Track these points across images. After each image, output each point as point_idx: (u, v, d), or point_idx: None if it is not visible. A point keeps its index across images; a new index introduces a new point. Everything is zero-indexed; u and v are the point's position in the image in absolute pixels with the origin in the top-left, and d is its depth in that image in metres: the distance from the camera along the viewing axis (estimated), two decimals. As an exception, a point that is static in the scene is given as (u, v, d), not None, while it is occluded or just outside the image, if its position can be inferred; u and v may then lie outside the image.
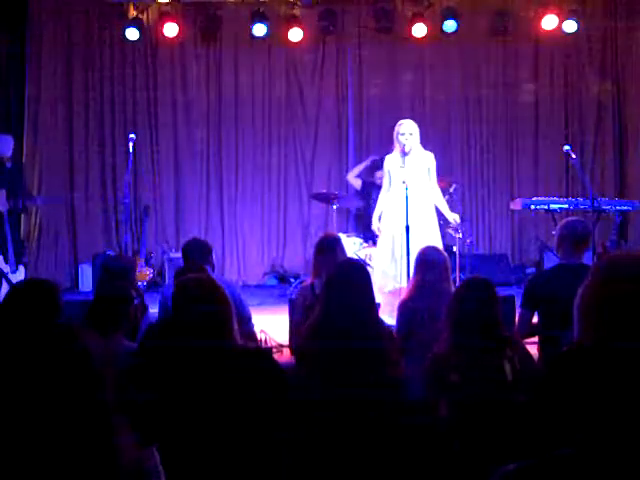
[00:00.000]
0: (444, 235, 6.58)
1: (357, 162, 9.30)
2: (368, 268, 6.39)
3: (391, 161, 6.35)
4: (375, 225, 6.48)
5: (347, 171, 9.25)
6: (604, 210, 6.99)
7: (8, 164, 7.34)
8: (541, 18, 8.81)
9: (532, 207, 7.38)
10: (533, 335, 4.13)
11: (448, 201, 7.39)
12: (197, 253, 4.55)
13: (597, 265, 1.94)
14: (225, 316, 2.68)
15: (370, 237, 7.24)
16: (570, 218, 4.57)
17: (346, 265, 3.69)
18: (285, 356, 5.39)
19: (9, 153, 7.35)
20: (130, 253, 8.01)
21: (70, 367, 1.59)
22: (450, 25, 8.76)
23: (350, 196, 8.82)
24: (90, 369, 1.62)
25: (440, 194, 6.47)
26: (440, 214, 6.45)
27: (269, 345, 5.66)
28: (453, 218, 6.40)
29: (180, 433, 2.46)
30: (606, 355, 1.41)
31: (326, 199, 7.78)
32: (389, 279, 6.15)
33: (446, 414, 3.10)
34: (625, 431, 1.30)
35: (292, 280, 8.40)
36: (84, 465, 1.56)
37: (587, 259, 4.39)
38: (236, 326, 2.73)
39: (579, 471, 1.30)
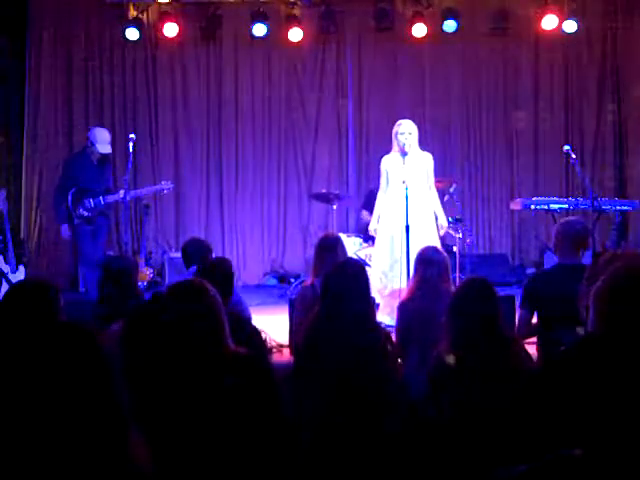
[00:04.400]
0: (443, 235, 6.56)
1: (357, 162, 9.32)
2: (367, 268, 6.42)
3: (389, 161, 6.35)
4: (372, 227, 6.48)
5: (347, 171, 9.27)
6: (604, 210, 6.99)
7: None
8: (541, 18, 8.81)
9: (532, 207, 7.39)
10: (533, 335, 4.13)
11: (448, 201, 7.40)
12: (196, 253, 4.55)
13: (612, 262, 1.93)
14: (215, 321, 2.67)
15: (371, 237, 7.25)
16: (568, 218, 4.58)
17: (343, 265, 3.70)
18: (285, 356, 5.39)
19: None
20: (130, 253, 8.01)
21: (83, 367, 1.59)
22: (450, 25, 8.76)
23: (350, 196, 8.83)
24: (104, 369, 1.62)
25: (436, 195, 6.46)
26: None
27: (269, 345, 5.65)
28: (440, 223, 6.35)
29: (171, 436, 2.46)
30: (617, 346, 1.41)
31: (326, 199, 7.78)
32: (388, 280, 6.14)
33: (448, 415, 3.10)
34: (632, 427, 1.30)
35: (292, 280, 8.40)
36: (96, 465, 1.56)
37: (587, 259, 4.39)
38: (228, 330, 2.73)
39: (587, 471, 1.29)
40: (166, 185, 7.12)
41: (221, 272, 3.94)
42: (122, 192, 6.71)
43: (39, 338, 1.63)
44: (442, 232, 6.40)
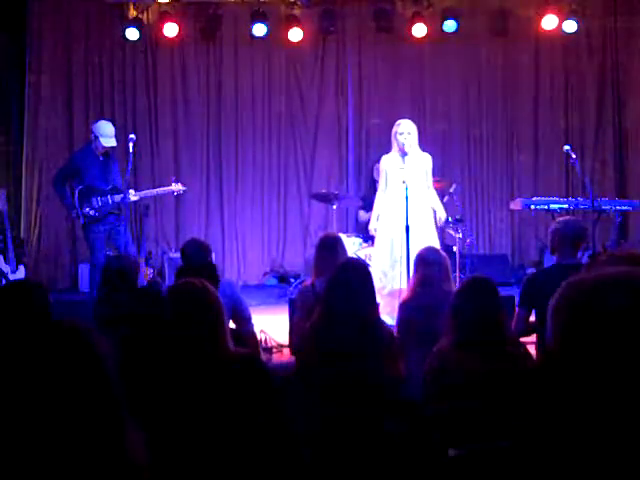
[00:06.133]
0: (442, 235, 6.59)
1: (357, 162, 9.32)
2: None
3: (388, 161, 6.36)
4: (372, 226, 6.49)
5: (347, 171, 9.27)
6: (604, 210, 7.00)
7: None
8: (541, 18, 8.81)
9: (532, 207, 7.38)
10: (529, 333, 4.15)
11: (448, 201, 7.41)
12: (195, 254, 4.55)
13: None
14: (216, 322, 2.67)
15: (370, 237, 7.26)
16: (563, 218, 4.58)
17: (348, 265, 3.69)
18: (285, 356, 5.40)
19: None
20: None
21: (76, 366, 1.59)
22: (450, 25, 8.76)
23: (350, 196, 8.83)
24: (97, 368, 1.62)
25: (435, 194, 6.50)
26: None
27: (269, 345, 5.67)
28: (439, 216, 6.40)
29: (170, 436, 2.46)
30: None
31: (326, 199, 7.78)
32: (388, 280, 6.15)
33: (447, 413, 3.11)
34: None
35: (292, 280, 8.40)
36: (94, 465, 1.56)
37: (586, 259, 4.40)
38: (228, 331, 2.73)
39: (518, 462, 1.31)
40: (176, 187, 7.04)
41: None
42: (132, 192, 6.69)
43: (32, 338, 1.63)
44: (440, 223, 6.44)
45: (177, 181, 7.21)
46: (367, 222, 6.83)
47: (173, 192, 7.10)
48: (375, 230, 6.49)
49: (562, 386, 1.32)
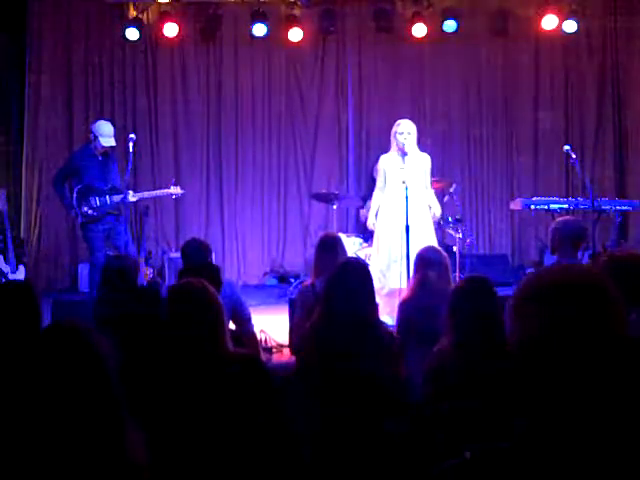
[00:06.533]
0: (441, 235, 6.59)
1: (357, 162, 9.32)
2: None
3: (387, 160, 6.37)
4: (371, 221, 6.50)
5: (347, 171, 9.27)
6: (604, 210, 7.00)
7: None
8: (541, 18, 8.82)
9: (532, 207, 7.39)
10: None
11: (448, 201, 7.41)
12: (195, 254, 4.55)
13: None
14: (215, 322, 2.67)
15: (371, 237, 7.26)
16: (563, 218, 4.58)
17: (347, 265, 3.68)
18: (285, 356, 5.41)
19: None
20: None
21: (76, 366, 1.59)
22: (450, 25, 8.77)
23: (350, 196, 8.83)
24: (97, 368, 1.62)
25: (432, 193, 6.51)
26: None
27: (269, 345, 5.67)
28: (433, 212, 6.41)
29: (169, 435, 2.46)
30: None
31: (326, 199, 7.78)
32: (386, 280, 6.15)
33: (445, 413, 3.10)
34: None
35: (292, 280, 8.41)
36: (94, 465, 1.56)
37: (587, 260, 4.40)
38: (228, 331, 2.73)
39: (516, 464, 1.31)
40: (175, 190, 7.04)
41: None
42: (131, 193, 6.69)
43: (32, 338, 1.64)
44: (435, 219, 6.47)
45: (176, 183, 7.22)
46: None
47: (171, 195, 7.10)
48: (374, 225, 6.49)
49: (545, 372, 1.34)
